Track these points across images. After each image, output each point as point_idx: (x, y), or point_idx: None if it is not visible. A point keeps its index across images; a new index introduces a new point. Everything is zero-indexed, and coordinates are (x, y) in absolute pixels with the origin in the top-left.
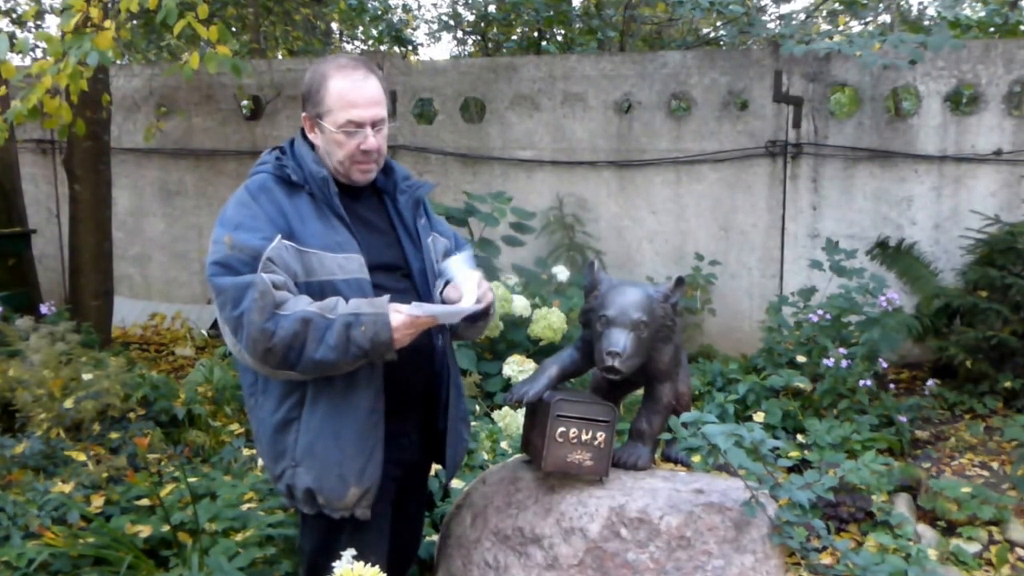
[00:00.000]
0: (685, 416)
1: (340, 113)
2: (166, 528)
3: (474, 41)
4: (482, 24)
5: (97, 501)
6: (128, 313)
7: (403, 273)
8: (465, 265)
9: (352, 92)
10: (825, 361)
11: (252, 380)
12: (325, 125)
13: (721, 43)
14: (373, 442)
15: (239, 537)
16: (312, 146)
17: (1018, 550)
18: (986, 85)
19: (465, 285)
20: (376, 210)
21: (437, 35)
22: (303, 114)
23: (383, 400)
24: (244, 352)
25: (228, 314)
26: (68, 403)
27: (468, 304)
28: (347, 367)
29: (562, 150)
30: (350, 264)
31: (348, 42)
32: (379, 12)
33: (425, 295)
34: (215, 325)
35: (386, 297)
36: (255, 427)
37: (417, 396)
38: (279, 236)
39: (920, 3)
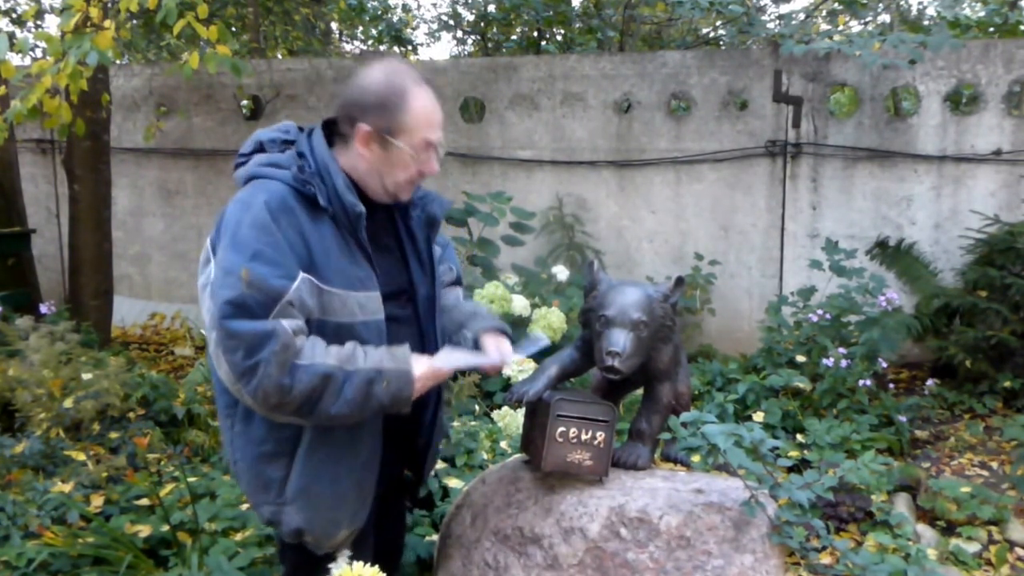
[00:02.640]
0: (685, 416)
1: (420, 132)
2: (166, 528)
3: (474, 41)
4: (482, 24)
5: (97, 501)
6: (128, 313)
7: (407, 297)
8: (488, 323)
9: (433, 111)
10: (825, 361)
11: (231, 402)
12: (397, 143)
13: (721, 43)
14: (369, 486)
15: (238, 537)
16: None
17: (1018, 550)
18: (986, 85)
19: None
20: (386, 227)
21: (437, 35)
22: (362, 126)
23: (381, 443)
24: (247, 397)
25: (239, 360)
26: (68, 403)
27: (496, 359)
28: (359, 419)
29: (562, 150)
30: (370, 304)
31: (348, 42)
32: (379, 12)
33: (427, 323)
34: None
35: (406, 348)
36: (231, 450)
37: (406, 419)
38: (300, 273)
39: (920, 3)
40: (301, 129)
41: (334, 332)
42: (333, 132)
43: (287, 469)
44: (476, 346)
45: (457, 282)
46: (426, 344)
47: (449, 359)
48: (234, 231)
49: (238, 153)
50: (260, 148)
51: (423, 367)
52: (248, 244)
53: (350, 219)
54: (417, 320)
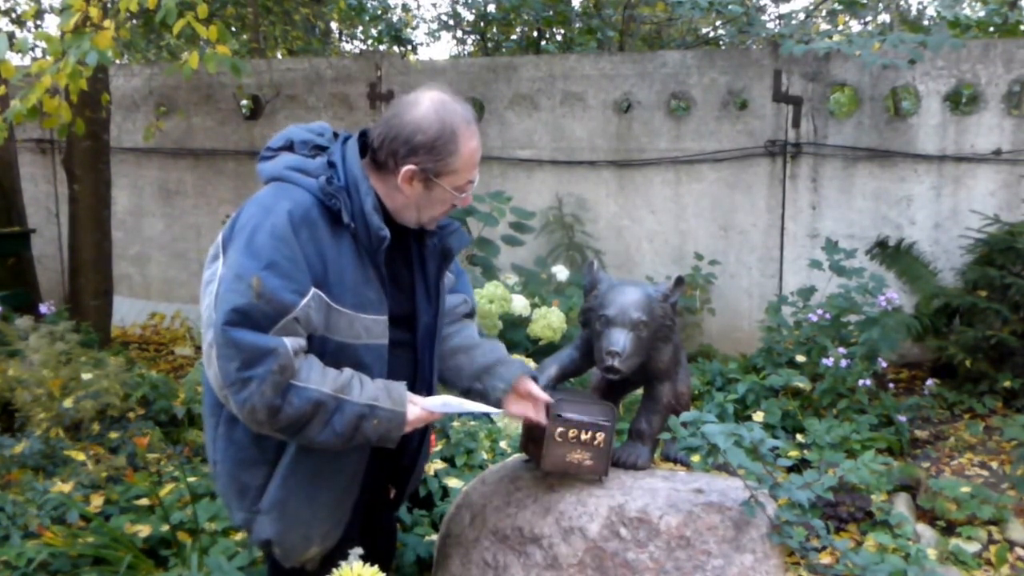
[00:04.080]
0: (684, 416)
1: (463, 175)
2: (165, 528)
3: (473, 41)
4: (481, 24)
5: (96, 501)
6: (127, 313)
7: (408, 323)
8: (518, 369)
9: (478, 152)
10: (824, 361)
11: (218, 402)
12: (440, 184)
13: (721, 43)
14: (347, 507)
15: (238, 536)
16: (366, 177)
17: (1017, 550)
18: (985, 85)
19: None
20: (400, 251)
21: (436, 35)
22: (408, 167)
23: (365, 465)
24: (233, 406)
25: (232, 369)
26: (67, 403)
27: (488, 408)
28: (343, 449)
29: (561, 150)
30: (376, 328)
31: (347, 42)
32: (378, 12)
33: (424, 350)
34: None
35: (404, 387)
36: (212, 450)
37: (387, 448)
38: (312, 289)
39: (920, 3)
40: (336, 135)
41: (335, 351)
42: (367, 144)
43: (266, 478)
44: (502, 395)
45: (470, 315)
46: (419, 370)
47: (444, 405)
48: (250, 235)
49: (266, 146)
50: (290, 146)
51: (416, 412)
52: (264, 252)
53: (372, 241)
54: (414, 346)
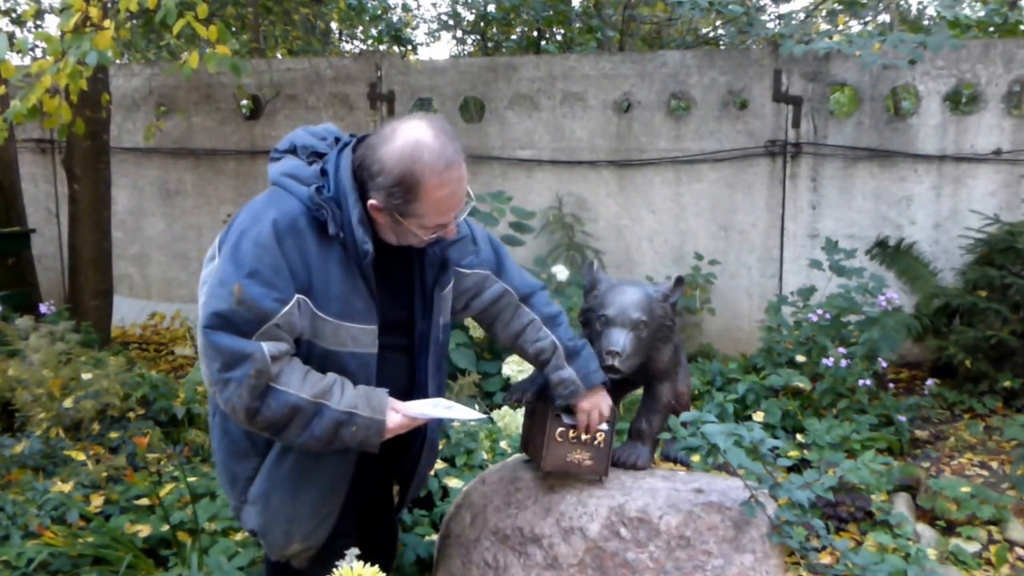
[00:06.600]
0: (684, 415)
1: (431, 219)
2: (165, 528)
3: (473, 41)
4: (481, 24)
5: (96, 501)
6: (127, 313)
7: (405, 330)
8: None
9: (450, 199)
10: (824, 361)
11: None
12: (408, 224)
13: (720, 43)
14: (330, 509)
15: (238, 536)
16: (357, 184)
17: (1017, 550)
18: (985, 85)
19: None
20: (400, 259)
21: (436, 35)
22: (374, 201)
23: (352, 470)
24: (220, 402)
25: (214, 370)
26: (67, 403)
27: (474, 414)
28: (325, 452)
29: (561, 149)
30: (364, 337)
31: (348, 41)
32: (378, 12)
33: (421, 356)
34: None
35: (384, 393)
36: (212, 438)
37: (394, 446)
38: (295, 297)
39: (920, 3)
40: (337, 140)
41: (321, 357)
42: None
43: (255, 470)
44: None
45: (525, 299)
46: (416, 374)
47: (429, 411)
48: (237, 242)
49: (275, 148)
50: (294, 149)
51: (398, 419)
52: (247, 260)
53: (360, 255)
54: (411, 352)
